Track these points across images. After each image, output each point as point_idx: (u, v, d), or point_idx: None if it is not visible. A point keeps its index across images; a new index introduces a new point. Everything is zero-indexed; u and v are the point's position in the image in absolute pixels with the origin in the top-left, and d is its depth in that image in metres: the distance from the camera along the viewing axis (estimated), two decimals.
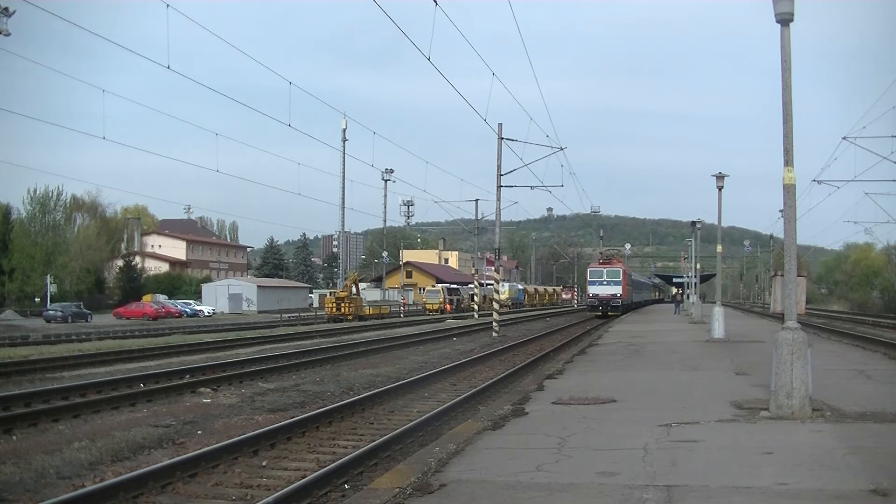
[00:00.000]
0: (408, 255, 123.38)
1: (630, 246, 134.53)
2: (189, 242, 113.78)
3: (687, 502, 6.02)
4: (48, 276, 69.70)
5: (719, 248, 30.93)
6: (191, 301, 76.92)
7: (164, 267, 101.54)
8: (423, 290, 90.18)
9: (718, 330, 25.64)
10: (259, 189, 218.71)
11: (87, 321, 56.47)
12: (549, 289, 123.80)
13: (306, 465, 9.50)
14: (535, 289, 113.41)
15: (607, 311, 54.01)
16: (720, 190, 27.64)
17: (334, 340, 32.17)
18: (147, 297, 73.73)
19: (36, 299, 72.45)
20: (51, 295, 68.33)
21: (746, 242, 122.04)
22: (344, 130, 66.64)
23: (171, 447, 10.76)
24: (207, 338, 33.76)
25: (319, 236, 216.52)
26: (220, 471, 9.21)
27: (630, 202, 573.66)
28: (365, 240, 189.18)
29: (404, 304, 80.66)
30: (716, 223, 30.12)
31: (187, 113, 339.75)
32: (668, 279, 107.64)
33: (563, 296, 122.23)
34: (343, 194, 67.94)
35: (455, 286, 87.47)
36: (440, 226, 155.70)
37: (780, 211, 15.84)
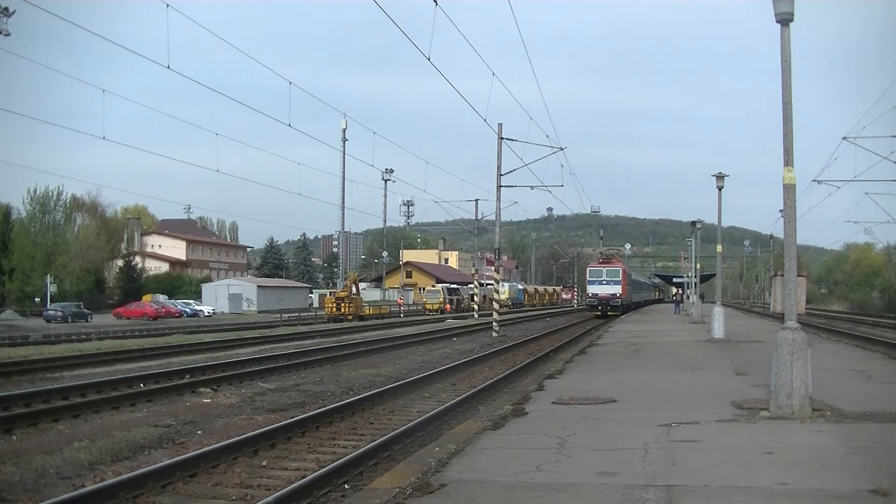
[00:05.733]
0: (408, 255, 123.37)
1: (630, 246, 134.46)
2: (189, 242, 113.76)
3: (687, 502, 6.02)
4: (48, 276, 69.65)
5: (719, 248, 30.92)
6: (191, 301, 76.91)
7: (164, 267, 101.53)
8: (423, 290, 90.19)
9: (718, 330, 25.63)
10: (259, 189, 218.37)
11: (87, 321, 56.44)
12: (549, 289, 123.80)
13: (306, 465, 9.50)
14: (535, 289, 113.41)
15: (607, 310, 53.98)
16: (720, 190, 27.64)
17: (334, 340, 32.16)
18: (147, 297, 73.72)
19: (36, 299, 72.42)
20: (51, 295, 68.29)
21: (746, 242, 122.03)
22: (344, 130, 66.62)
23: (171, 447, 10.76)
24: (207, 338, 33.75)
25: (319, 236, 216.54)
26: (220, 471, 9.21)
27: (630, 202, 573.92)
28: (365, 240, 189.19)
29: (400, 303, 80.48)
30: (716, 223, 30.13)
31: (187, 113, 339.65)
32: (668, 279, 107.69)
33: (563, 296, 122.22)
34: (343, 194, 67.96)
35: (455, 286, 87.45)
36: (440, 226, 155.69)
37: (780, 211, 15.84)
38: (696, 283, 52.05)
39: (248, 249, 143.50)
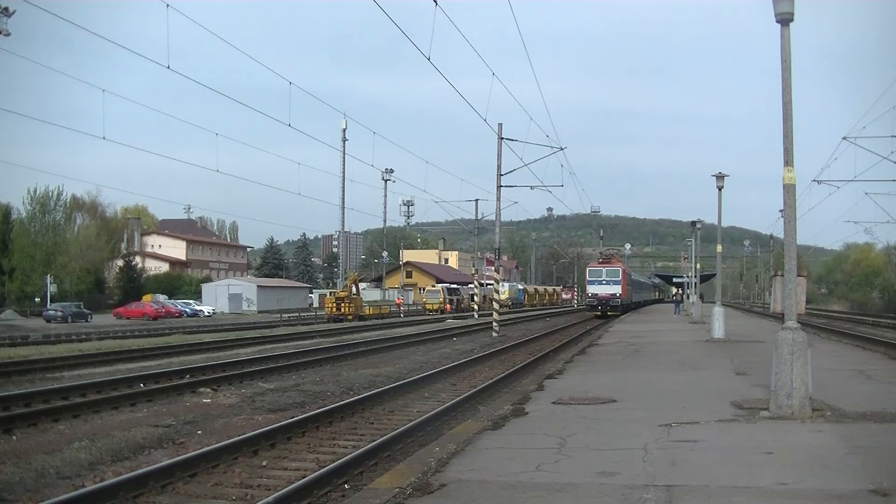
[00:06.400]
0: (408, 255, 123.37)
1: (630, 246, 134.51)
2: (189, 242, 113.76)
3: (687, 502, 6.02)
4: (48, 276, 69.65)
5: (719, 248, 30.92)
6: (191, 301, 76.91)
7: (164, 267, 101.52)
8: (423, 290, 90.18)
9: (718, 330, 25.63)
10: (259, 189, 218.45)
11: (87, 321, 56.45)
12: (549, 289, 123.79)
13: (306, 465, 9.50)
14: (535, 289, 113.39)
15: (606, 310, 53.90)
16: (720, 190, 27.63)
17: (334, 340, 32.15)
18: (147, 297, 73.70)
19: (36, 299, 72.42)
20: (51, 295, 68.29)
21: (746, 242, 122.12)
22: (344, 130, 66.61)
23: (171, 447, 10.76)
24: (207, 338, 33.74)
25: (319, 236, 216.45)
26: (220, 471, 9.21)
27: (630, 202, 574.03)
28: (365, 240, 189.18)
29: (399, 304, 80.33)
30: (716, 223, 30.13)
31: (187, 113, 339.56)
32: (668, 279, 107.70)
33: (563, 296, 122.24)
34: (343, 194, 67.95)
35: (455, 286, 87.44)
36: (440, 226, 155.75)
37: (780, 211, 15.85)
38: (696, 283, 52.06)
39: (248, 249, 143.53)
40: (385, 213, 78.22)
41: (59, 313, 57.23)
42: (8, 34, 29.87)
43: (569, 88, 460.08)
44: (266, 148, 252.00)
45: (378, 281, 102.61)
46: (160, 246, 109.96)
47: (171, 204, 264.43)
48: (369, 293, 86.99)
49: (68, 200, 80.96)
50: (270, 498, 7.40)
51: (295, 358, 23.46)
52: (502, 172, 36.35)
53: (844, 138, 34.25)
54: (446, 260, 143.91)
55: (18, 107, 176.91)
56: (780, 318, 19.63)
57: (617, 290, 54.75)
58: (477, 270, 63.08)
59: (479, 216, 63.22)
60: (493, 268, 43.39)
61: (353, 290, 59.25)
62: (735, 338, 25.59)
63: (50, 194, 78.35)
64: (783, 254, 10.47)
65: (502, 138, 35.75)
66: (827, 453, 7.62)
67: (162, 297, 75.99)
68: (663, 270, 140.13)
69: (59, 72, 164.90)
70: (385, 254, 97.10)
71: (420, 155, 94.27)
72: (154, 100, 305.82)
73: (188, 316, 66.42)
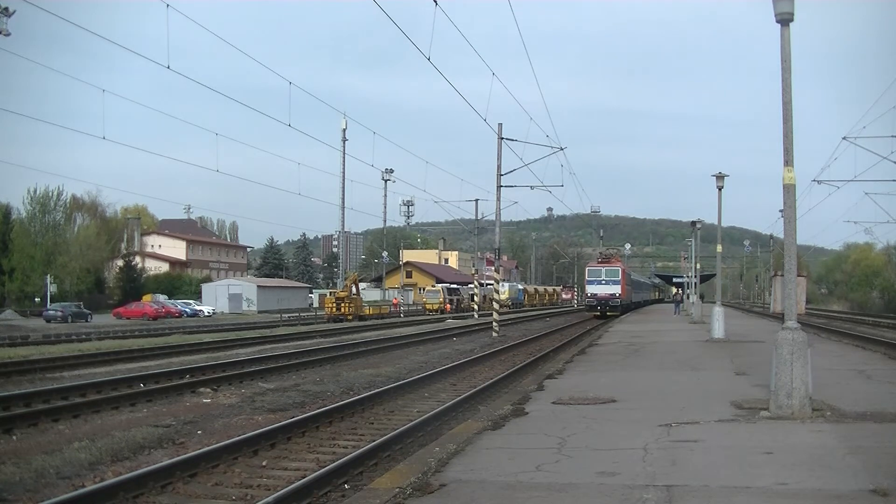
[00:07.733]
0: (408, 255, 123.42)
1: (630, 246, 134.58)
2: (189, 242, 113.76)
3: (687, 502, 6.02)
4: (48, 276, 69.67)
5: (719, 248, 30.92)
6: (191, 301, 76.89)
7: (164, 267, 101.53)
8: (423, 290, 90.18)
9: (718, 330, 25.63)
10: (259, 189, 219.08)
11: (87, 321, 56.44)
12: (549, 289, 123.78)
13: (306, 465, 9.50)
14: (535, 289, 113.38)
15: (606, 311, 53.75)
16: (720, 190, 27.63)
17: (334, 340, 32.16)
18: (147, 297, 73.70)
19: (36, 299, 72.43)
20: (51, 295, 68.30)
21: (746, 242, 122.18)
22: (344, 130, 66.63)
23: (171, 447, 10.76)
24: (207, 338, 33.74)
25: (319, 236, 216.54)
26: (220, 471, 9.21)
27: (630, 202, 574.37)
28: (365, 240, 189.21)
29: (396, 304, 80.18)
30: (716, 223, 30.13)
31: (187, 113, 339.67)
32: (668, 279, 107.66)
33: (563, 296, 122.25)
34: (343, 194, 67.98)
35: (455, 286, 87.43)
36: (440, 226, 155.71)
37: (780, 211, 15.85)
38: (695, 283, 52.05)
39: (248, 249, 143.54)
40: (385, 213, 78.26)
41: (59, 313, 57.21)
42: (8, 34, 29.87)
43: (569, 88, 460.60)
44: (266, 148, 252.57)
45: (378, 281, 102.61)
46: (160, 246, 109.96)
47: (171, 204, 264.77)
48: (369, 293, 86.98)
49: (68, 200, 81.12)
50: (270, 498, 7.40)
51: (295, 358, 23.47)
52: (502, 172, 36.37)
53: (844, 138, 34.29)
54: (446, 260, 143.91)
55: (18, 107, 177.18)
56: (780, 318, 19.63)
57: (616, 289, 54.61)
58: (477, 270, 63.02)
59: (479, 216, 63.23)
60: (493, 268, 43.37)
61: (353, 290, 59.24)
62: (735, 338, 25.59)
63: (50, 194, 78.50)
64: (783, 254, 10.47)
65: (502, 138, 35.75)
66: (827, 453, 7.62)
67: (162, 297, 75.98)
68: (663, 270, 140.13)
69: (59, 72, 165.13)
70: (385, 254, 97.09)
71: (420, 155, 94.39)
72: (154, 100, 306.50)
73: (188, 316, 66.41)
